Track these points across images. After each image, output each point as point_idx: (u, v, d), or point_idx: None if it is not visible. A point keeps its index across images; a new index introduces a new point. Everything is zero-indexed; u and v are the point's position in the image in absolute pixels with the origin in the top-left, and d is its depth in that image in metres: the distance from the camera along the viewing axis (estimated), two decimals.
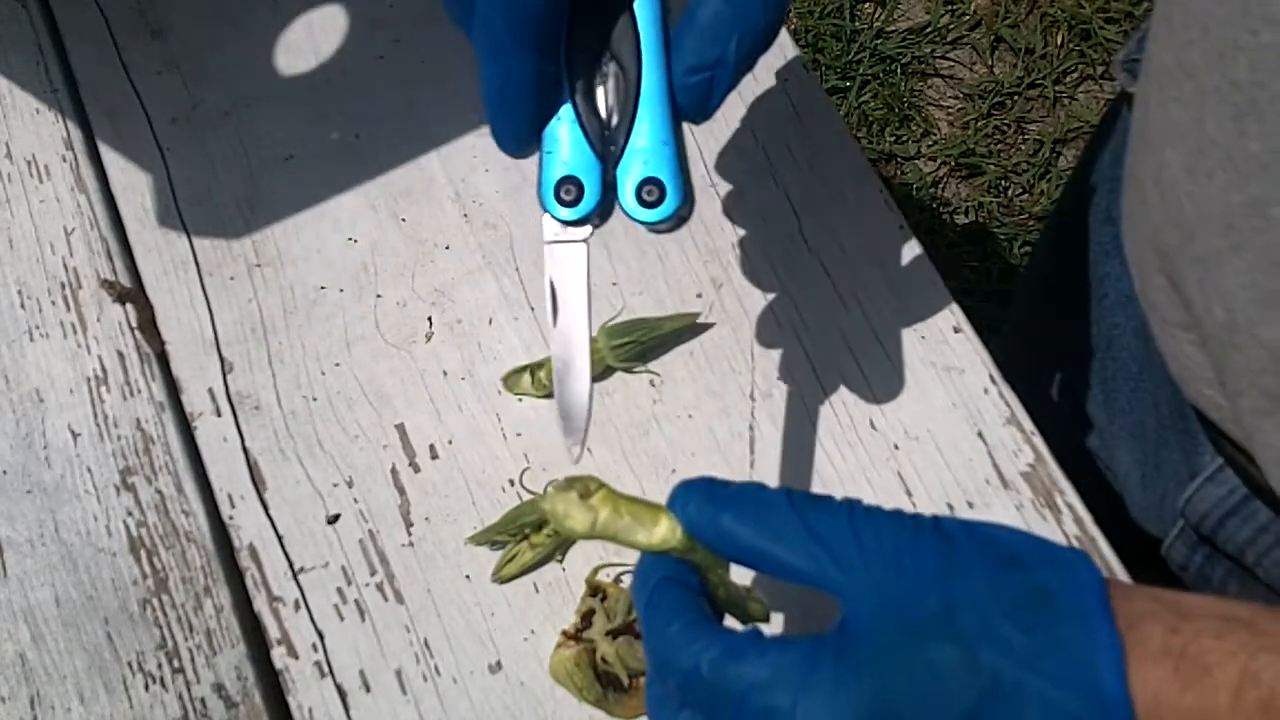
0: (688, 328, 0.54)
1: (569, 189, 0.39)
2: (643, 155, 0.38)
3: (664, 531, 0.38)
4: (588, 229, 0.40)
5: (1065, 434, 0.65)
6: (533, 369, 0.53)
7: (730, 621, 0.43)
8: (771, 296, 0.54)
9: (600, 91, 0.38)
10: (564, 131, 0.38)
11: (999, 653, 0.33)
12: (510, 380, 0.53)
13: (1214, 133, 0.44)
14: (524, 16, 0.36)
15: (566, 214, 0.39)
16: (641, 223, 0.39)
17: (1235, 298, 0.45)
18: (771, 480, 0.52)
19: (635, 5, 0.38)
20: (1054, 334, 0.71)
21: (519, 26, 0.36)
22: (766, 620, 0.43)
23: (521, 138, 0.39)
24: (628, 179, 0.38)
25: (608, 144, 0.38)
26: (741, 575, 0.41)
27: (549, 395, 0.53)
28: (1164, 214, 0.49)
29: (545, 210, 0.39)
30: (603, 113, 0.38)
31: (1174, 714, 0.32)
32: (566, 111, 0.38)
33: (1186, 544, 0.59)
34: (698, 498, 0.37)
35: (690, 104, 0.38)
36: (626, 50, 0.38)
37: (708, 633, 0.36)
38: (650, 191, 0.38)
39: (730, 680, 0.34)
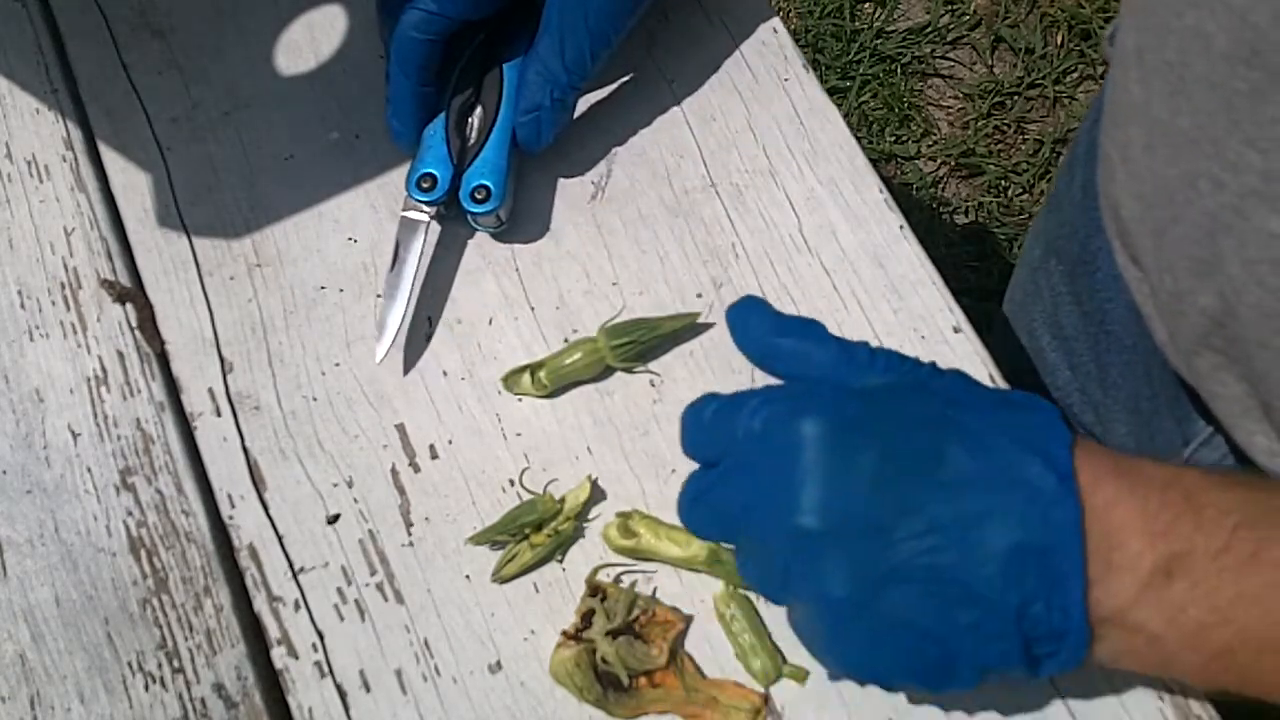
0: (687, 328, 0.54)
1: (428, 180, 0.54)
2: (481, 169, 0.54)
3: (695, 548, 0.49)
4: (433, 210, 0.55)
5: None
6: (533, 369, 0.53)
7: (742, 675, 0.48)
8: (771, 296, 0.54)
9: (468, 121, 0.55)
10: (435, 142, 0.55)
11: (968, 410, 0.41)
12: (510, 380, 0.53)
13: (1157, 111, 0.47)
14: (409, 57, 0.53)
15: (422, 197, 0.54)
16: (470, 213, 0.54)
17: (1176, 266, 0.48)
18: None
19: (504, 68, 0.56)
20: (1047, 312, 0.72)
21: (406, 63, 0.53)
22: (777, 674, 0.48)
23: (407, 134, 0.55)
24: (469, 183, 0.54)
25: (464, 158, 0.55)
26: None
27: (550, 395, 0.53)
28: (1127, 188, 0.52)
29: (407, 191, 0.54)
30: (469, 135, 0.55)
31: (1111, 479, 0.39)
32: (440, 130, 0.55)
33: None
34: (757, 314, 0.46)
35: (524, 137, 0.54)
36: (492, 97, 0.55)
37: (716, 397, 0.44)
38: (479, 191, 0.54)
39: (739, 409, 0.42)
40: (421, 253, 0.54)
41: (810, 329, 0.44)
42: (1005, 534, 0.38)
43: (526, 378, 0.53)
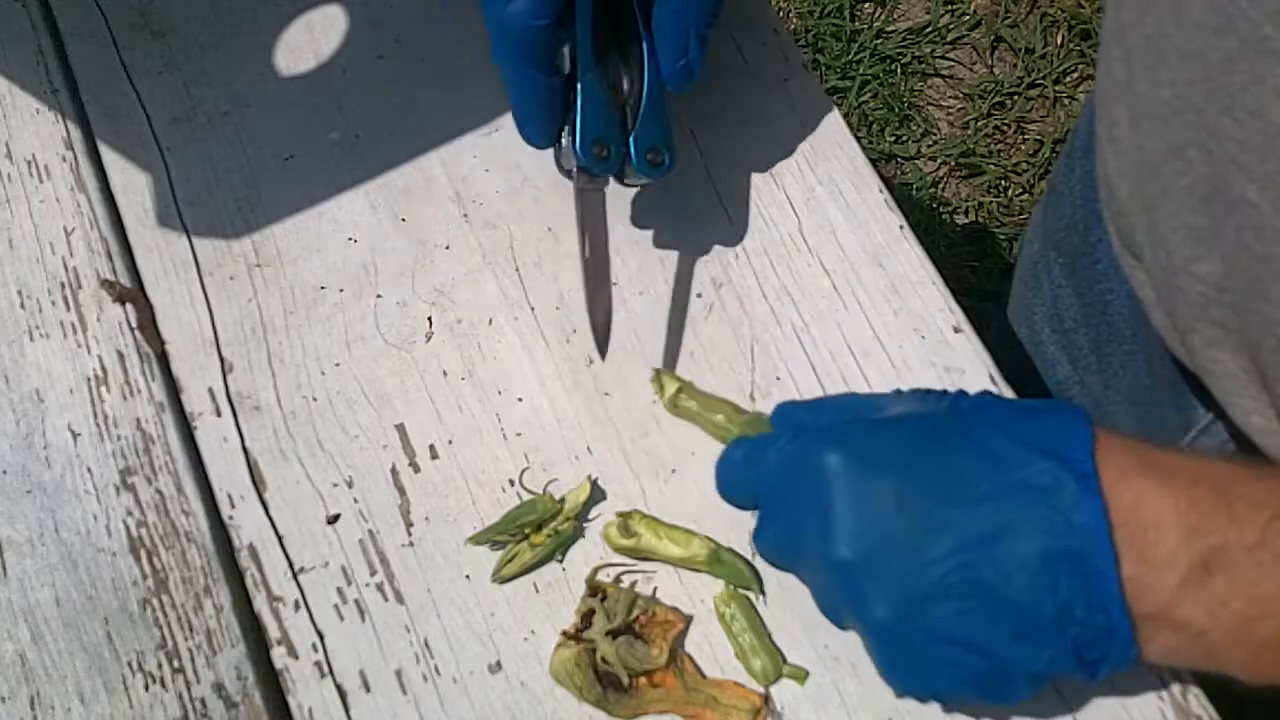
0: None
1: (602, 149, 0.50)
2: (648, 132, 0.51)
3: (695, 548, 0.49)
4: (608, 179, 0.52)
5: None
6: (682, 384, 0.52)
7: (740, 673, 0.48)
8: (771, 296, 0.54)
9: (620, 81, 0.52)
10: (593, 107, 0.50)
11: (982, 425, 0.42)
12: (666, 381, 0.52)
13: (1139, 85, 0.48)
14: (531, 46, 0.48)
15: (600, 168, 0.50)
16: (648, 177, 0.51)
17: (1169, 239, 0.48)
18: None
19: (640, 26, 0.51)
20: (1047, 305, 0.72)
21: (530, 55, 0.48)
22: (777, 674, 0.48)
23: (540, 131, 0.50)
24: (640, 146, 0.51)
25: (626, 119, 0.51)
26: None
27: (675, 412, 0.52)
28: (1116, 168, 0.53)
29: (582, 166, 0.50)
30: (623, 94, 0.51)
31: (1137, 475, 0.39)
32: (597, 93, 0.50)
33: None
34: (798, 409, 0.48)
35: (678, 86, 0.51)
36: (634, 52, 0.51)
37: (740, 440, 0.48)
38: (654, 154, 0.51)
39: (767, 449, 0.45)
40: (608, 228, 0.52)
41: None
42: (1031, 542, 0.39)
43: (672, 385, 0.52)
